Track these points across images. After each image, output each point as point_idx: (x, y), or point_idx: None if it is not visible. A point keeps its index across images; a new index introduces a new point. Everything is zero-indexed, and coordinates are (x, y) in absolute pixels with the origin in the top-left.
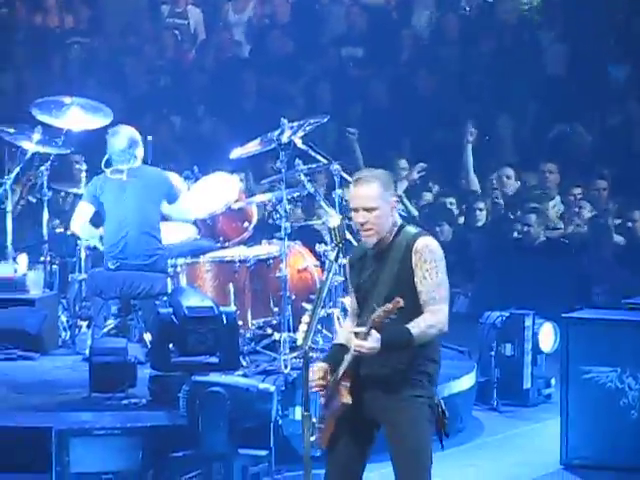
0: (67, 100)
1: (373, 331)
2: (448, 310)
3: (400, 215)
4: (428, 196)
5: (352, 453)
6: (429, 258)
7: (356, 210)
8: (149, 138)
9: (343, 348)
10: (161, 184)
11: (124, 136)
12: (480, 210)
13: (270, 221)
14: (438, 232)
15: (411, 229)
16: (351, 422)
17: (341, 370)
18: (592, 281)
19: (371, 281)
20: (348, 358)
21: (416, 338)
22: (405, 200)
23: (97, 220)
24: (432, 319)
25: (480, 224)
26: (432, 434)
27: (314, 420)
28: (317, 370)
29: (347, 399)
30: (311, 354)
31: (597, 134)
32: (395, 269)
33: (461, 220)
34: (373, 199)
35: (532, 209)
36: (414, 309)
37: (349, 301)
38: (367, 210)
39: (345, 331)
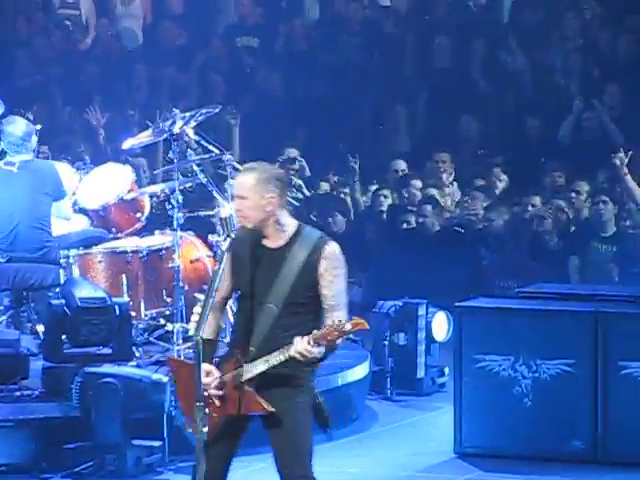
0: None
1: (325, 345)
2: None
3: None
4: (325, 186)
5: (225, 443)
6: (337, 265)
7: (234, 198)
8: (38, 127)
9: (212, 343)
10: (52, 178)
11: (20, 126)
12: (385, 197)
13: (161, 212)
14: (331, 222)
15: (312, 232)
16: (231, 417)
17: (248, 374)
18: (502, 273)
19: (265, 278)
20: (264, 361)
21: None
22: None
23: None
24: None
25: (384, 209)
26: (311, 422)
27: (207, 410)
28: (213, 376)
29: (269, 406)
30: (203, 344)
31: (490, 123)
32: (296, 270)
33: (360, 209)
34: (245, 189)
35: (427, 200)
36: (311, 312)
37: (220, 290)
38: (240, 198)
39: (209, 325)
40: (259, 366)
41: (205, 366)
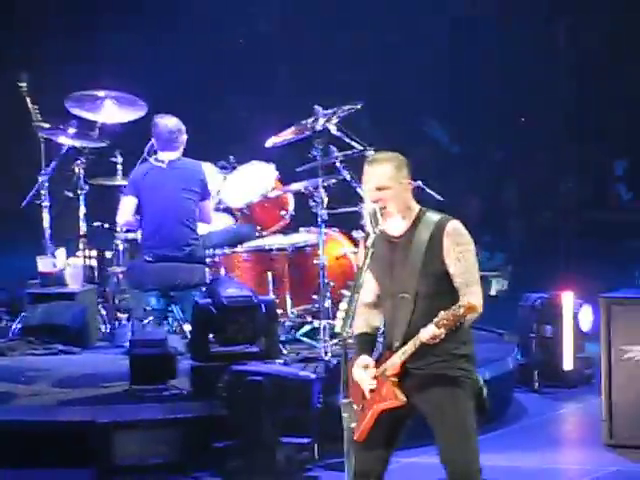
0: (100, 93)
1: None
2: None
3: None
4: None
5: (382, 439)
6: (462, 241)
7: (370, 191)
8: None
9: (369, 337)
10: (199, 177)
11: (170, 123)
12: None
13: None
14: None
15: (433, 214)
16: (388, 411)
17: (391, 368)
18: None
19: (395, 269)
20: (402, 353)
21: (466, 323)
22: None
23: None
24: (475, 302)
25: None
26: (472, 409)
27: (355, 407)
28: (369, 369)
29: (402, 396)
30: (350, 341)
31: None
32: (421, 255)
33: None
34: (385, 179)
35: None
36: (444, 293)
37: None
38: (379, 189)
39: (364, 320)
40: (398, 357)
41: (363, 359)
